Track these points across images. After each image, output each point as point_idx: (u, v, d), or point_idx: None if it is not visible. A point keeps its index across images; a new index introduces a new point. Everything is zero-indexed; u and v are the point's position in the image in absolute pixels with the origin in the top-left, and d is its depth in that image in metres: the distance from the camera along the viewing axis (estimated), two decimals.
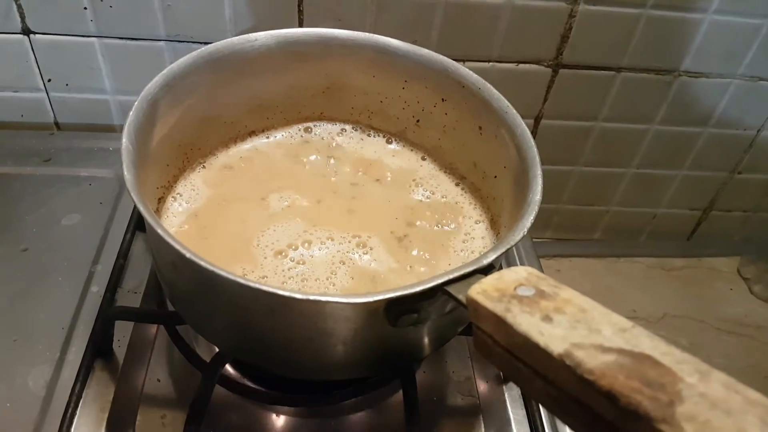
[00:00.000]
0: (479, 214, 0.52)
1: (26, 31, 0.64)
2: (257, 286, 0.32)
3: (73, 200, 0.62)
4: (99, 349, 0.49)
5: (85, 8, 0.63)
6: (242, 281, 0.32)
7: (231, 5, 0.64)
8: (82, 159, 0.66)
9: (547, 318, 0.28)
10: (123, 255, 0.56)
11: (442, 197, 0.54)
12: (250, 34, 0.50)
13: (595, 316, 0.28)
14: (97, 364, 0.49)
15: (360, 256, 0.47)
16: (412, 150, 0.58)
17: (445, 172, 0.56)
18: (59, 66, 0.67)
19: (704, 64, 0.72)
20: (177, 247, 0.33)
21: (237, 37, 0.50)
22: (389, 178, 0.55)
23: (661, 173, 0.83)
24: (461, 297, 0.32)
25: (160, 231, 0.34)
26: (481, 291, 0.30)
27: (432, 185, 0.55)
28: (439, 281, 0.34)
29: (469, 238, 0.50)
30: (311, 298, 0.32)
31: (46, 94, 0.70)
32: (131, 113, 0.41)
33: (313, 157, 0.56)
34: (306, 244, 0.47)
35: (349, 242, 0.48)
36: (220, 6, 0.64)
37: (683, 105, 0.75)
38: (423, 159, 0.57)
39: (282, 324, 0.36)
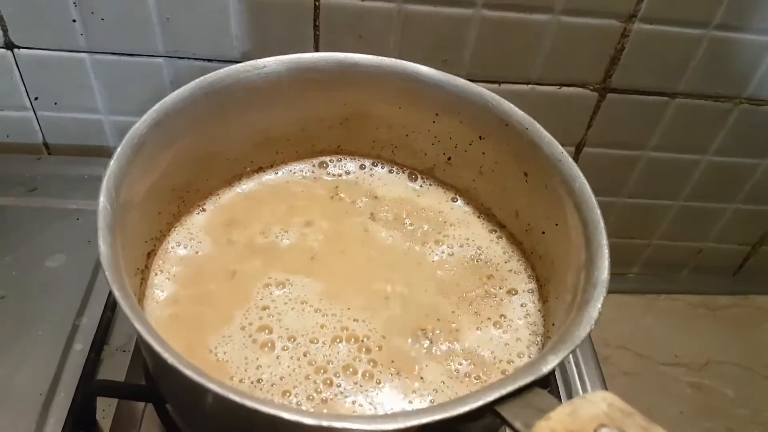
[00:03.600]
0: (520, 273, 0.45)
1: (10, 46, 0.58)
2: (254, 405, 0.25)
3: (58, 237, 0.55)
4: (80, 422, 0.43)
5: (74, 21, 0.56)
6: (237, 399, 0.25)
7: (238, 19, 0.57)
8: (70, 188, 0.59)
9: None
10: (111, 306, 0.50)
11: (475, 249, 0.46)
12: (257, 61, 0.43)
13: None
14: None
15: (371, 334, 0.40)
16: (441, 189, 0.51)
17: (479, 216, 0.49)
18: (47, 83, 0.61)
19: None
20: (160, 351, 0.26)
21: (242, 64, 0.43)
22: (412, 224, 0.48)
23: (711, 206, 0.76)
24: (519, 426, 0.25)
25: (140, 327, 0.27)
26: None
27: (462, 234, 0.47)
28: (488, 399, 0.27)
29: (507, 305, 0.43)
30: (324, 424, 0.25)
31: (33, 113, 0.63)
32: (112, 162, 0.35)
33: (327, 197, 0.49)
34: (313, 325, 0.40)
35: (359, 317, 0.41)
36: (226, 20, 0.56)
37: (742, 134, 0.68)
38: (453, 200, 0.50)
39: None
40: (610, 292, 0.87)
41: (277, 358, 0.37)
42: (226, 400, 0.26)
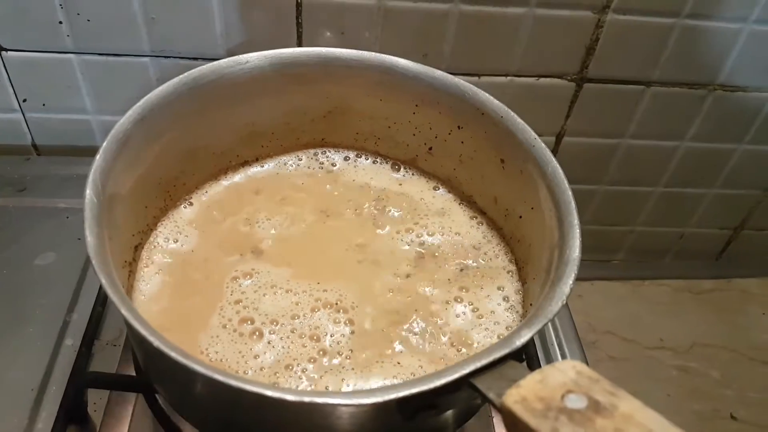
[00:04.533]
0: (500, 257, 0.46)
1: None
2: (239, 384, 0.26)
3: (48, 235, 0.56)
4: (72, 415, 0.44)
5: (61, 22, 0.57)
6: (222, 378, 0.27)
7: (222, 17, 0.57)
8: (60, 188, 0.60)
9: None
10: (101, 301, 0.51)
11: (456, 236, 0.47)
12: (240, 56, 0.45)
13: None
14: None
15: (343, 299, 0.41)
16: (423, 179, 0.52)
17: (460, 204, 0.50)
18: (35, 85, 0.61)
19: (742, 77, 0.65)
20: (143, 332, 0.27)
21: (225, 60, 0.44)
22: (395, 212, 0.49)
23: (691, 192, 0.77)
24: (493, 396, 0.26)
25: (125, 311, 0.28)
26: (521, 399, 0.24)
27: (444, 221, 0.48)
28: (464, 372, 0.28)
29: (487, 289, 0.44)
30: (305, 400, 0.26)
31: (22, 115, 0.64)
32: (98, 157, 0.36)
33: (312, 188, 0.50)
34: (296, 305, 0.41)
35: (328, 288, 0.42)
36: (210, 18, 0.57)
37: (717, 120, 0.69)
38: (436, 189, 0.51)
39: (273, 419, 0.30)
40: (595, 279, 0.89)
41: (269, 342, 0.39)
42: (212, 381, 0.27)
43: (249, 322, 0.39)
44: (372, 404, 0.27)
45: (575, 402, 0.24)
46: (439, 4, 0.57)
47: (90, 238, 0.31)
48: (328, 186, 0.50)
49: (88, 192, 0.33)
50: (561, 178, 0.38)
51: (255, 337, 0.39)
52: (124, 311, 0.28)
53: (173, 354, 0.27)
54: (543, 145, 0.41)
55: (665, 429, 0.23)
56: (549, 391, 0.24)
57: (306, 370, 0.37)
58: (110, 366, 0.48)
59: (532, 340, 0.30)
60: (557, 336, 0.55)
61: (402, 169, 0.52)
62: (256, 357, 0.38)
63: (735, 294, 0.86)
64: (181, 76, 0.42)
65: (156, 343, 0.27)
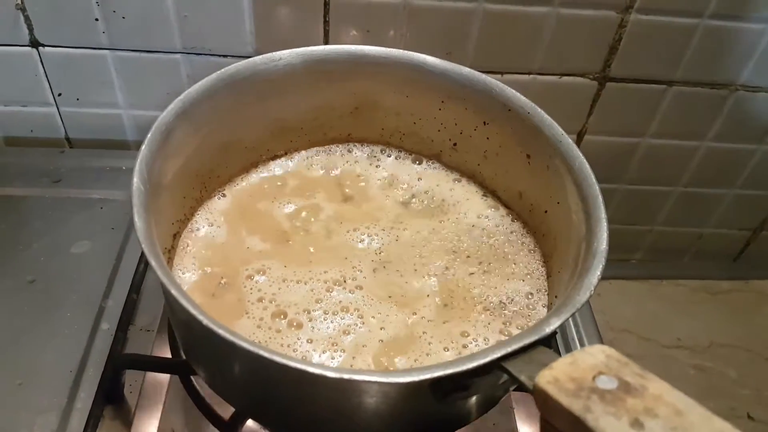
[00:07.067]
0: (524, 251, 0.47)
1: (35, 44, 0.60)
2: (282, 360, 0.28)
3: (83, 225, 0.58)
4: (109, 396, 0.45)
5: (97, 19, 0.58)
6: (266, 354, 0.28)
7: (251, 16, 0.59)
8: (93, 179, 0.62)
9: (636, 423, 0.23)
10: (135, 288, 0.52)
11: (478, 228, 0.48)
12: (274, 53, 0.46)
13: (695, 421, 0.23)
14: (107, 412, 0.46)
15: (389, 306, 0.42)
16: (446, 172, 0.53)
17: (483, 196, 0.51)
18: (70, 80, 0.63)
19: (764, 77, 0.66)
20: (193, 311, 0.29)
21: (260, 57, 0.45)
22: (418, 203, 0.50)
23: (711, 192, 0.78)
24: (524, 379, 0.27)
25: (174, 291, 0.30)
26: (553, 380, 0.25)
27: (466, 212, 0.50)
28: (495, 356, 0.29)
29: (511, 282, 0.45)
30: (345, 377, 0.28)
31: (56, 109, 0.66)
32: (143, 147, 0.37)
33: (336, 182, 0.51)
34: (311, 291, 0.43)
35: (376, 287, 0.43)
36: (240, 17, 0.59)
37: (739, 120, 0.69)
38: (458, 181, 0.52)
39: (309, 397, 0.31)
40: (614, 278, 0.89)
41: (312, 328, 0.40)
42: (257, 358, 0.28)
43: (282, 317, 0.41)
44: (408, 383, 0.28)
45: (606, 383, 0.25)
46: (463, 2, 0.59)
47: (139, 223, 0.32)
48: (352, 180, 0.52)
49: (136, 180, 0.35)
50: (588, 172, 0.39)
51: (294, 327, 0.40)
52: (173, 291, 0.30)
53: (221, 331, 0.28)
54: (570, 140, 0.42)
55: (692, 408, 0.24)
56: (580, 372, 0.25)
57: (362, 327, 0.40)
58: (145, 350, 0.50)
59: (554, 335, 0.31)
60: (578, 332, 0.56)
61: (425, 163, 0.54)
62: (309, 341, 0.39)
63: (752, 295, 0.87)
64: (218, 72, 0.43)
65: (205, 321, 0.28)
